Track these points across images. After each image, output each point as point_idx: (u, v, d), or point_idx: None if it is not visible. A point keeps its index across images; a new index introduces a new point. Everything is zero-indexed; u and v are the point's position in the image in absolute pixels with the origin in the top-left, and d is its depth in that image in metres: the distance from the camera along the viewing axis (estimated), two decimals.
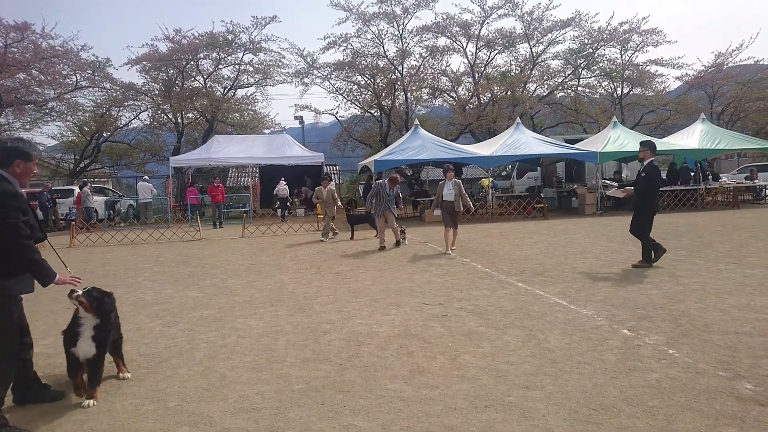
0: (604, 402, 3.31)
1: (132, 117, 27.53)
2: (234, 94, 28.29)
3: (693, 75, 31.65)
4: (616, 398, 3.36)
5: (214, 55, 26.65)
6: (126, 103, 26.44)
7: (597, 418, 3.10)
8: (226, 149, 19.85)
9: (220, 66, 27.41)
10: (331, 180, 21.81)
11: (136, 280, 8.23)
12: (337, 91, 28.09)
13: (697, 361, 3.92)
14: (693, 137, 18.85)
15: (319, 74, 27.41)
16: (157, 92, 26.90)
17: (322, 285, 7.29)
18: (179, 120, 27.28)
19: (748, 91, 30.84)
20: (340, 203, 13.90)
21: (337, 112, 29.20)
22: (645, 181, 7.55)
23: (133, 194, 23.79)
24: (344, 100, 28.47)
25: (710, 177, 19.74)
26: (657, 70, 30.33)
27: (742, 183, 20.00)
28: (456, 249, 9.98)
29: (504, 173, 25.94)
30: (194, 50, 25.78)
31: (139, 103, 27.00)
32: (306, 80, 27.51)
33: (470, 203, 10.49)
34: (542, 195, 18.24)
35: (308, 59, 27.05)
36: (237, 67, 27.37)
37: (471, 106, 28.15)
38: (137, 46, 48.07)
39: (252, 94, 28.69)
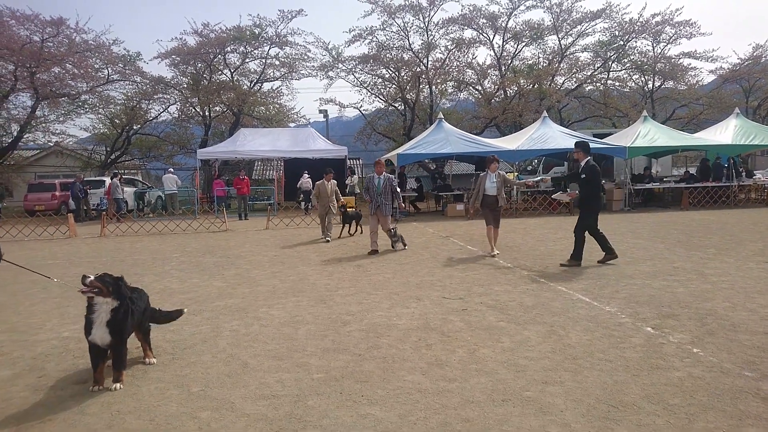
0: (624, 399, 3.27)
1: (161, 110, 28.20)
2: (260, 87, 28.65)
3: (728, 68, 30.62)
4: (637, 396, 3.31)
5: (241, 49, 27.00)
6: (155, 96, 27.02)
7: (616, 415, 3.07)
8: (252, 142, 20.11)
9: (247, 60, 27.77)
10: (354, 173, 21.93)
11: (163, 269, 8.44)
12: (361, 84, 28.15)
13: (723, 361, 3.83)
14: (726, 132, 18.26)
15: (343, 67, 27.51)
16: (185, 86, 27.41)
17: (343, 277, 7.35)
18: (207, 113, 27.76)
19: None
20: (341, 199, 12.37)
21: (361, 106, 29.28)
22: (587, 183, 7.54)
23: (161, 186, 24.37)
24: (368, 93, 28.52)
25: (743, 174, 19.11)
26: (690, 63, 29.50)
27: None
28: (498, 250, 8.92)
29: (530, 168, 25.60)
30: (222, 44, 26.15)
31: (168, 96, 27.57)
32: (331, 74, 27.66)
33: (520, 182, 11.29)
34: (569, 190, 17.90)
35: (333, 53, 27.17)
36: (263, 60, 27.69)
37: (497, 100, 27.82)
38: (167, 40, 49.32)
39: (278, 88, 29.04)
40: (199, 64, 26.98)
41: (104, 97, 25.94)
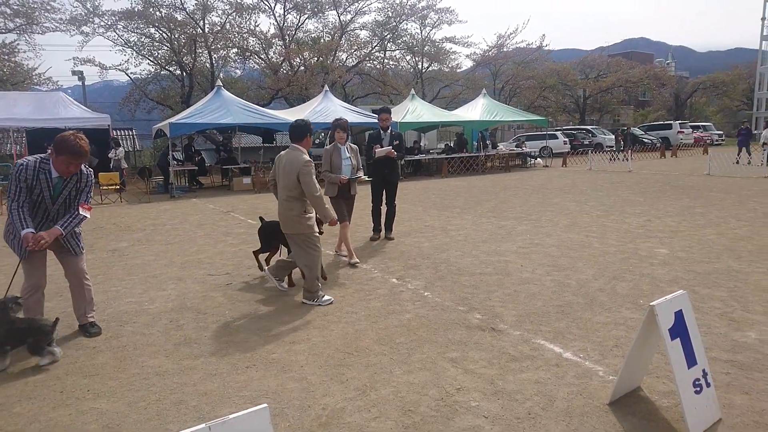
0: (359, 345, 3.59)
1: None
2: None
3: (480, 54, 35.86)
4: (371, 340, 3.67)
5: None
6: None
7: (349, 360, 3.35)
8: None
9: None
10: (120, 145, 19.37)
11: None
12: (126, 43, 24.77)
13: (445, 300, 4.50)
14: (476, 110, 21.44)
15: (101, 23, 23.78)
16: None
17: (91, 265, 6.44)
18: None
19: (521, 70, 36.15)
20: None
21: (127, 68, 25.73)
22: (400, 148, 7.45)
23: None
24: (135, 54, 25.26)
25: (490, 145, 22.79)
26: (451, 48, 33.63)
27: (513, 150, 23.56)
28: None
29: (317, 141, 26.19)
30: None
31: None
32: (85, 29, 23.65)
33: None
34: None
35: (87, 4, 23.21)
36: None
37: (283, 71, 27.54)
38: None
39: (12, 42, 23.67)
40: None
41: None
